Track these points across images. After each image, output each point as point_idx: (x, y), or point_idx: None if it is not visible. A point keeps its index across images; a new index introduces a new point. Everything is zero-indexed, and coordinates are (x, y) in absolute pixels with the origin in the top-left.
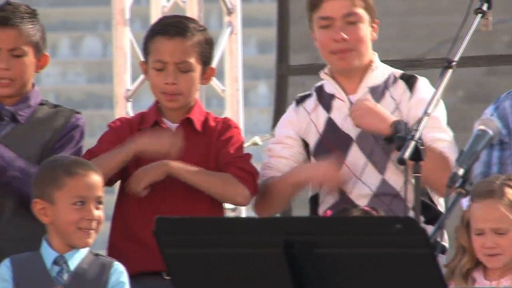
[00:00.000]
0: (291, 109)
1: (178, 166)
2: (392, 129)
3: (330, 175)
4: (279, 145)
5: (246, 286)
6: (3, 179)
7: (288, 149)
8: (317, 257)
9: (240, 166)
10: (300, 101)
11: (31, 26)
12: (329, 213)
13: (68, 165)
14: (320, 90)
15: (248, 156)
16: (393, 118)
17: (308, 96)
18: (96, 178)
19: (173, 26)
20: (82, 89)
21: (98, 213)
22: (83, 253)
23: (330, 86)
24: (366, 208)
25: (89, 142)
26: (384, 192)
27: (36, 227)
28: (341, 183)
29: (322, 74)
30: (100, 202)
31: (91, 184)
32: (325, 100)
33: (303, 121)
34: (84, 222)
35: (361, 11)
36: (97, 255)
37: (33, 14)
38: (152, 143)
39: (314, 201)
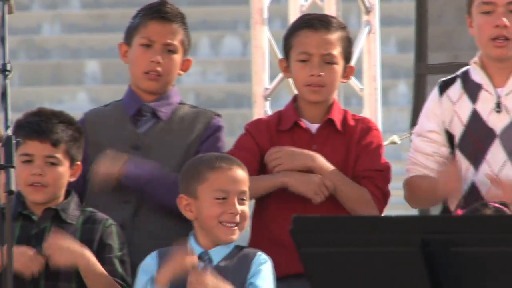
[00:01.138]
0: (434, 97)
1: (325, 169)
2: None
3: (457, 188)
4: (423, 140)
5: (382, 284)
6: (158, 198)
7: (432, 146)
8: (454, 256)
9: (378, 185)
10: (444, 87)
11: (184, 27)
12: (460, 212)
13: (212, 160)
14: (465, 77)
15: (387, 169)
16: None
17: (452, 81)
18: (240, 173)
19: (318, 20)
20: (222, 88)
21: (242, 208)
22: (228, 249)
23: (477, 75)
24: (497, 205)
25: (229, 141)
26: None
27: (173, 224)
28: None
29: (471, 63)
30: (244, 198)
31: (234, 178)
32: (471, 89)
33: (447, 112)
34: (226, 216)
35: None
36: (242, 248)
37: (184, 17)
38: (300, 186)
39: None
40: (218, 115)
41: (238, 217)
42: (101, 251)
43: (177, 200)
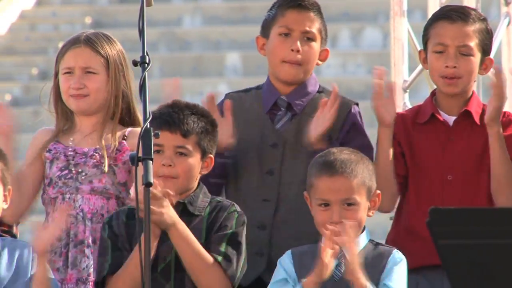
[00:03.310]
0: None
1: None
2: None
3: None
4: None
5: None
6: None
7: None
8: None
9: None
10: None
11: (321, 16)
12: None
13: (320, 164)
14: None
15: None
16: None
17: None
18: (350, 181)
19: (456, 11)
20: (362, 80)
21: (351, 215)
22: (361, 245)
23: None
24: None
25: (368, 133)
26: None
27: (312, 222)
28: None
29: None
30: (350, 204)
31: (334, 189)
32: None
33: None
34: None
35: None
36: (377, 244)
37: (320, 6)
38: None
39: None
40: (356, 104)
41: (341, 225)
42: (217, 231)
43: (304, 195)
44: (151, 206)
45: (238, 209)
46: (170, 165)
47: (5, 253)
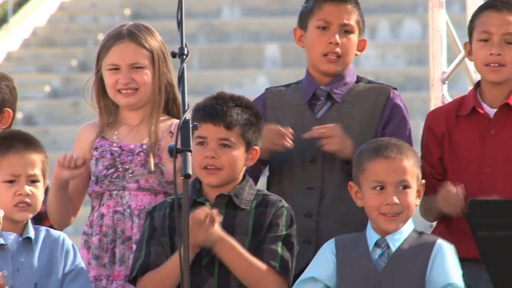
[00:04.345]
0: None
1: None
2: None
3: None
4: None
5: None
6: None
7: None
8: None
9: None
10: None
11: (358, 8)
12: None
13: (373, 149)
14: None
15: None
16: None
17: None
18: (405, 163)
19: (502, 1)
20: (401, 71)
21: (404, 198)
22: (406, 233)
23: None
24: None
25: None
26: None
27: (358, 209)
28: None
29: None
30: (405, 186)
31: (390, 170)
32: None
33: None
34: (385, 207)
35: None
36: (421, 233)
37: None
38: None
39: None
40: (395, 89)
41: (396, 207)
42: (268, 231)
43: (348, 187)
44: (195, 233)
45: (286, 204)
46: (213, 157)
47: (39, 245)
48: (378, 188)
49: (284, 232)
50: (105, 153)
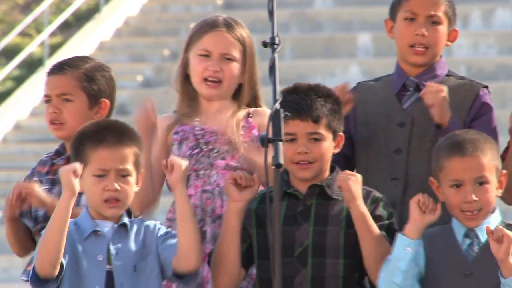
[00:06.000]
0: None
1: None
2: None
3: None
4: None
5: None
6: None
7: None
8: None
9: None
10: None
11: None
12: None
13: (449, 146)
14: None
15: None
16: None
17: None
18: (481, 159)
19: None
20: (493, 60)
21: (483, 194)
22: (493, 224)
23: None
24: None
25: (500, 114)
26: None
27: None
28: None
29: None
30: (483, 182)
31: (466, 168)
32: None
33: None
34: (464, 205)
35: None
36: (509, 225)
37: None
38: None
39: None
40: (485, 87)
41: (475, 205)
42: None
43: (429, 182)
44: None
45: (380, 195)
46: (306, 152)
47: (134, 230)
48: (456, 186)
49: (387, 221)
50: (187, 135)
